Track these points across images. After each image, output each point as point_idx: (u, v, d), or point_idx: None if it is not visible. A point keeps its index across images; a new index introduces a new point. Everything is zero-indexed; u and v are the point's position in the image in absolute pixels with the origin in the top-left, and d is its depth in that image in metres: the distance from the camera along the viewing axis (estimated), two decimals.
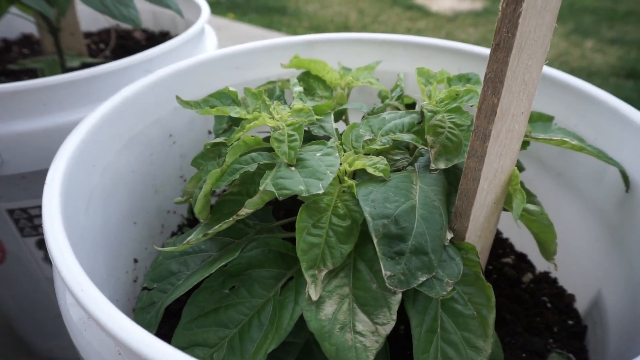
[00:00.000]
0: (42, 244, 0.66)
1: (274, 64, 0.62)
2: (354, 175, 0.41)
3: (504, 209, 0.42)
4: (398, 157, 0.42)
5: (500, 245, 0.61)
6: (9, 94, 0.52)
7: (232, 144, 0.43)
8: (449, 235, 0.36)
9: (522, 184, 0.45)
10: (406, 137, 0.40)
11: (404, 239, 0.33)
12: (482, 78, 0.37)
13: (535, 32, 0.32)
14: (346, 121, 0.55)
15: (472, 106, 0.42)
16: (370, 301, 0.33)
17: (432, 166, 0.39)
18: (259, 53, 0.61)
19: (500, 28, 0.30)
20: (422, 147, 0.40)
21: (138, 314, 0.40)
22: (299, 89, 0.47)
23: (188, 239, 0.38)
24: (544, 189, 0.56)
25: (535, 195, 0.46)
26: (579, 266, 0.52)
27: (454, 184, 0.40)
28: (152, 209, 0.55)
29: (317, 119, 0.45)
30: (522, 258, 0.60)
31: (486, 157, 0.34)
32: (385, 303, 0.33)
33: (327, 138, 0.45)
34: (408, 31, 2.67)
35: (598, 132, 0.49)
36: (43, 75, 0.70)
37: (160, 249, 0.39)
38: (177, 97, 0.47)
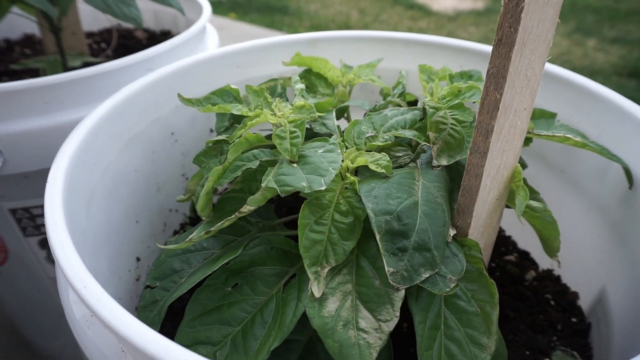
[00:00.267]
0: (44, 244, 0.66)
1: (276, 62, 0.62)
2: (356, 171, 0.41)
3: (507, 206, 0.42)
4: (400, 154, 0.42)
5: (503, 242, 0.61)
6: (10, 93, 0.52)
7: (233, 141, 0.43)
8: (452, 232, 0.36)
9: (525, 180, 0.45)
10: (408, 134, 0.40)
11: (406, 236, 0.33)
12: (484, 75, 0.37)
13: (538, 27, 0.32)
14: (348, 118, 0.55)
15: (474, 103, 0.42)
16: (373, 298, 0.33)
17: (435, 163, 0.38)
18: (260, 51, 0.61)
19: (503, 23, 0.30)
20: (425, 143, 0.40)
21: (141, 312, 0.40)
22: (300, 86, 0.47)
23: (190, 237, 0.38)
24: (546, 186, 0.55)
25: (538, 192, 0.45)
26: (583, 263, 0.51)
27: (456, 181, 0.40)
28: (154, 207, 0.55)
29: (319, 116, 0.45)
30: (525, 256, 0.60)
31: (489, 153, 0.34)
32: (388, 300, 0.33)
33: (329, 135, 0.45)
34: (409, 30, 2.67)
35: (601, 129, 0.48)
36: (45, 74, 0.70)
37: (162, 246, 0.39)
38: (179, 95, 0.47)
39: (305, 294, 0.35)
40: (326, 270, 0.34)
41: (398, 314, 0.33)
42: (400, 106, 0.50)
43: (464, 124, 0.40)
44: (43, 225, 0.63)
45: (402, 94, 0.49)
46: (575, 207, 0.52)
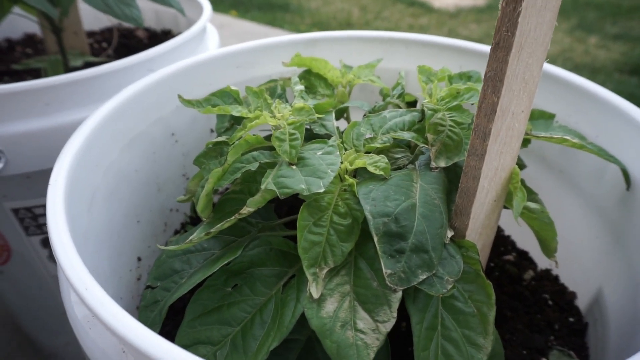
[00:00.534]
0: (46, 243, 0.67)
1: (276, 62, 0.62)
2: (355, 173, 0.41)
3: (505, 207, 0.42)
4: (399, 156, 0.42)
5: (502, 242, 0.61)
6: (12, 95, 0.52)
7: (233, 142, 0.43)
8: (450, 233, 0.36)
9: (523, 181, 0.45)
10: (407, 136, 0.40)
11: (404, 237, 0.34)
12: (483, 76, 0.37)
13: (536, 30, 0.32)
14: (348, 119, 0.55)
15: (472, 104, 0.42)
16: (371, 299, 0.34)
17: (433, 164, 0.39)
18: (260, 51, 0.61)
19: (500, 27, 0.30)
20: (423, 145, 0.40)
21: (142, 312, 0.41)
22: (300, 87, 0.47)
23: (190, 238, 0.38)
24: (545, 186, 0.56)
25: (537, 193, 0.46)
26: (581, 263, 0.52)
27: (454, 182, 0.40)
28: (155, 207, 0.55)
29: (318, 118, 0.45)
30: (523, 255, 0.60)
31: (486, 156, 0.34)
32: (386, 301, 0.33)
33: (329, 136, 0.45)
34: (410, 28, 2.67)
35: (599, 130, 0.49)
36: (46, 74, 0.71)
37: (163, 247, 0.39)
38: (179, 96, 0.47)
39: (304, 294, 0.35)
40: (324, 271, 0.34)
41: (395, 314, 0.33)
42: (399, 107, 0.50)
43: (462, 125, 0.41)
44: (45, 224, 0.64)
45: (401, 95, 0.49)
46: (574, 208, 0.52)
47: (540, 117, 0.49)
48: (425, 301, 0.35)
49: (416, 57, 0.63)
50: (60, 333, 0.79)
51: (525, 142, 0.45)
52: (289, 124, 0.40)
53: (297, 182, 0.35)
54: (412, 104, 0.54)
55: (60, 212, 0.34)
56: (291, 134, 0.39)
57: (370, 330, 0.33)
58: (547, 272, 0.56)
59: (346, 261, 0.36)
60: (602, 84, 2.07)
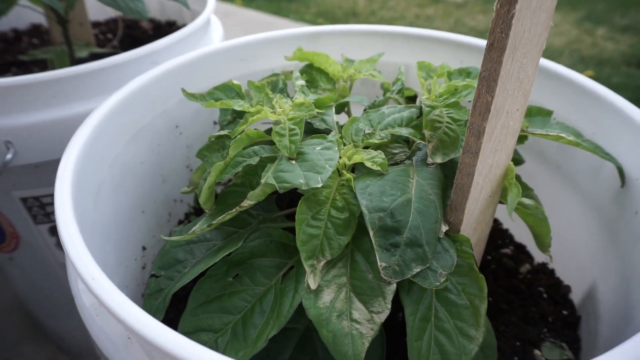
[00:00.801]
0: (54, 231, 0.68)
1: (279, 55, 0.63)
2: (354, 168, 0.42)
3: (501, 202, 0.43)
4: (397, 151, 0.43)
5: (500, 235, 0.62)
6: (20, 87, 0.53)
7: (235, 136, 0.44)
8: (444, 228, 0.37)
9: (518, 177, 0.46)
10: (404, 132, 0.41)
11: (399, 232, 0.35)
12: None
13: (530, 31, 0.32)
14: (348, 113, 0.56)
15: (469, 101, 0.43)
16: (366, 291, 0.35)
17: (429, 160, 0.40)
18: (263, 45, 0.62)
19: (495, 28, 0.31)
20: (420, 141, 0.41)
21: (146, 300, 0.42)
22: (301, 82, 0.48)
23: (193, 229, 0.40)
24: (543, 181, 0.56)
25: (532, 189, 0.46)
26: (576, 258, 0.53)
27: (450, 178, 0.41)
28: (160, 198, 0.57)
29: (319, 112, 0.46)
30: (521, 249, 0.61)
31: (480, 153, 0.35)
32: (381, 293, 0.34)
33: (328, 131, 0.46)
34: (416, 18, 2.65)
35: (597, 127, 0.49)
36: (52, 66, 0.72)
37: (167, 238, 0.41)
38: (183, 90, 0.48)
39: (302, 285, 0.36)
40: (322, 263, 0.36)
41: (389, 306, 0.34)
42: (399, 103, 0.51)
43: (459, 122, 0.41)
44: (52, 213, 0.65)
45: (400, 91, 0.50)
46: (571, 203, 0.53)
47: (538, 114, 0.49)
48: (419, 293, 0.36)
49: (417, 51, 0.63)
50: (68, 317, 0.81)
51: (522, 139, 0.46)
52: (289, 119, 0.40)
53: (296, 176, 0.36)
54: (412, 98, 0.55)
55: (68, 205, 0.35)
56: (291, 129, 0.39)
57: (365, 320, 0.34)
58: (544, 265, 0.57)
59: (343, 254, 0.37)
60: (609, 76, 2.05)
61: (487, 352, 0.38)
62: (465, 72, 0.49)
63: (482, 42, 0.59)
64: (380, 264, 0.34)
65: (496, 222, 0.64)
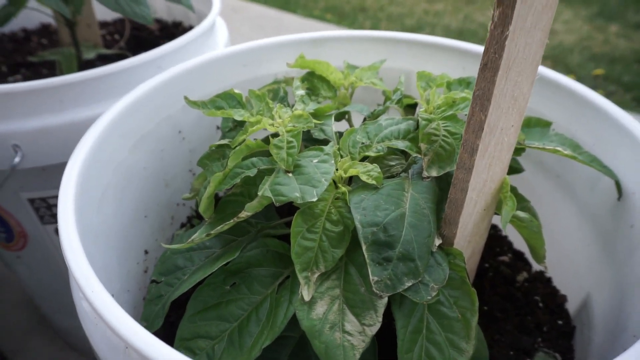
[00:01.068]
0: None
1: (282, 61, 0.63)
2: (351, 179, 0.43)
3: (497, 213, 0.43)
4: (393, 163, 0.43)
5: (499, 243, 0.63)
6: (28, 92, 0.55)
7: (235, 146, 0.45)
8: (438, 242, 0.38)
9: (514, 189, 0.46)
10: (401, 145, 0.42)
11: (392, 246, 0.35)
12: None
13: (525, 50, 0.33)
14: (349, 121, 0.56)
15: (466, 115, 0.43)
16: (359, 303, 0.36)
17: (425, 174, 0.40)
18: (266, 51, 0.62)
19: (488, 49, 0.31)
20: (416, 155, 0.41)
21: (147, 306, 0.43)
22: (301, 92, 0.49)
23: (192, 238, 0.41)
24: (542, 189, 0.57)
25: (528, 201, 0.47)
26: (572, 268, 0.53)
27: (446, 191, 0.41)
28: (163, 202, 0.58)
29: (317, 123, 0.47)
30: (519, 256, 0.61)
31: (474, 170, 0.36)
32: (372, 306, 0.35)
33: (327, 141, 0.47)
34: (425, 13, 2.63)
35: (596, 139, 0.49)
36: (60, 67, 0.73)
37: (167, 246, 0.42)
38: (185, 98, 0.49)
39: (296, 296, 0.37)
40: (316, 275, 0.36)
41: (381, 319, 0.35)
42: (402, 113, 0.51)
43: (456, 135, 0.42)
44: None
45: (399, 101, 0.50)
46: (569, 213, 0.53)
47: (537, 125, 0.50)
48: (410, 306, 0.37)
49: (420, 57, 0.63)
50: (74, 314, 0.83)
51: (519, 151, 0.46)
52: (287, 132, 0.41)
53: (292, 190, 0.37)
54: (412, 106, 0.55)
55: (70, 216, 0.36)
56: (289, 142, 0.40)
57: (357, 332, 0.35)
58: (541, 274, 0.58)
59: (337, 266, 0.37)
60: (620, 75, 2.02)
61: None
62: (465, 82, 0.50)
63: None
64: (372, 278, 0.34)
65: (495, 229, 0.64)
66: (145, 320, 0.43)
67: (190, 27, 0.93)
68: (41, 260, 0.74)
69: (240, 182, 0.44)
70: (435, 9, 2.67)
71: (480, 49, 0.60)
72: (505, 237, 0.64)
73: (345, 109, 0.51)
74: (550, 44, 2.23)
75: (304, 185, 0.37)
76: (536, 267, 0.59)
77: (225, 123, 0.54)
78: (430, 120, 0.42)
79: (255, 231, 0.45)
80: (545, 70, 0.54)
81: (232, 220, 0.39)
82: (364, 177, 0.39)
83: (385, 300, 0.35)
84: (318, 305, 0.36)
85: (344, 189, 0.39)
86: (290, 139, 0.40)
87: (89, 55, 0.78)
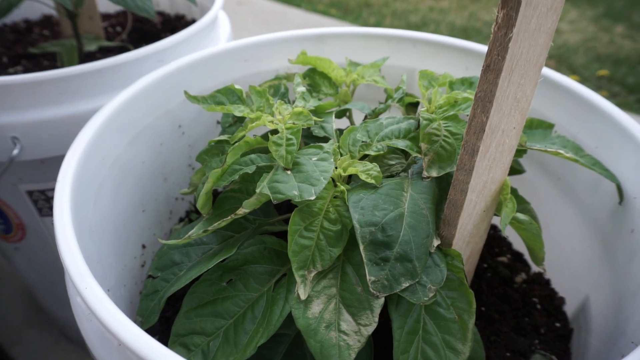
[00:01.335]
0: None
1: (283, 57, 0.63)
2: (350, 177, 0.43)
3: (497, 215, 0.43)
4: (393, 162, 0.43)
5: (498, 243, 0.62)
6: (27, 85, 0.54)
7: (235, 142, 0.45)
8: (436, 242, 0.38)
9: (515, 191, 0.46)
10: (401, 144, 0.41)
11: (389, 246, 0.35)
12: None
13: (528, 53, 0.32)
14: (350, 118, 0.56)
15: (468, 115, 0.42)
16: (355, 303, 0.35)
17: (425, 174, 0.40)
18: (268, 46, 0.62)
19: (492, 50, 0.31)
20: (416, 155, 0.41)
21: (143, 301, 0.43)
22: (301, 89, 0.48)
23: (189, 234, 0.40)
24: (543, 190, 0.56)
25: (529, 203, 0.46)
26: (571, 270, 0.53)
27: (446, 191, 0.41)
28: (161, 196, 0.57)
29: (318, 120, 0.46)
30: (518, 257, 0.61)
31: (474, 171, 0.35)
32: (369, 306, 0.35)
33: (327, 139, 0.47)
34: (430, 10, 2.61)
35: (599, 142, 0.49)
36: (61, 59, 0.73)
37: (163, 241, 0.42)
38: (185, 92, 0.49)
39: (292, 294, 0.37)
40: (313, 274, 0.36)
41: (377, 319, 0.35)
42: (401, 109, 0.51)
43: (457, 136, 0.41)
44: None
45: (401, 99, 0.50)
46: (570, 215, 0.53)
47: (539, 126, 0.49)
48: (407, 307, 0.36)
49: (423, 55, 0.63)
50: (71, 305, 0.83)
51: (520, 153, 0.46)
52: (287, 129, 0.41)
53: (290, 188, 0.36)
54: (414, 105, 0.55)
55: (66, 210, 0.36)
56: (288, 139, 0.40)
57: (352, 332, 0.35)
58: (539, 275, 0.57)
59: (334, 265, 0.37)
60: (625, 76, 2.01)
61: None
62: (467, 82, 0.49)
63: None
64: (369, 278, 0.34)
65: (495, 229, 0.64)
66: (140, 315, 0.43)
67: (193, 21, 0.92)
68: (39, 252, 0.74)
69: (239, 178, 0.43)
70: (441, 6, 2.66)
71: (483, 48, 0.59)
72: (505, 237, 0.63)
73: (346, 106, 0.51)
74: (555, 44, 2.22)
75: (303, 183, 0.37)
76: (535, 268, 0.59)
77: (225, 118, 0.54)
78: (431, 120, 0.41)
79: (253, 228, 0.45)
80: (548, 72, 0.54)
81: (229, 217, 0.39)
82: (363, 176, 0.38)
83: (382, 300, 0.35)
84: (314, 304, 0.36)
85: (342, 187, 0.38)
86: (290, 136, 0.40)
87: (91, 47, 0.77)
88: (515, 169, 0.51)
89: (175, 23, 0.92)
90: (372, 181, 0.38)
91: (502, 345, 0.48)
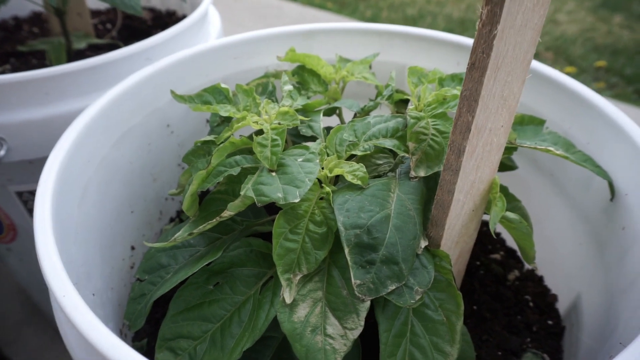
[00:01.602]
0: None
1: (273, 53, 0.62)
2: (337, 178, 0.42)
3: (487, 213, 0.42)
4: (381, 162, 0.42)
5: (491, 240, 0.62)
6: (13, 84, 0.54)
7: (221, 142, 0.44)
8: (424, 243, 0.37)
9: (505, 189, 0.46)
10: (388, 144, 0.41)
11: (375, 249, 0.35)
12: None
13: (515, 50, 0.31)
14: (340, 116, 0.55)
15: None
16: (341, 306, 0.35)
17: (412, 174, 0.39)
18: (257, 43, 0.61)
19: (476, 48, 0.30)
20: (404, 154, 0.40)
21: (130, 304, 0.43)
22: (289, 87, 0.48)
23: (175, 237, 0.40)
24: (536, 187, 0.56)
25: (520, 200, 0.46)
26: (564, 267, 0.52)
27: (434, 190, 0.40)
28: (151, 196, 0.57)
29: (304, 120, 0.46)
30: (511, 254, 0.61)
31: (461, 171, 0.35)
32: (354, 309, 0.34)
33: (314, 138, 0.46)
34: (427, 3, 2.59)
35: (591, 137, 0.48)
36: (50, 57, 0.72)
37: (150, 244, 0.41)
38: (172, 92, 0.48)
39: (278, 298, 0.37)
40: (298, 277, 0.36)
41: (363, 323, 0.34)
42: (393, 110, 0.50)
43: (445, 134, 0.41)
44: None
45: (390, 97, 0.49)
46: (562, 212, 0.53)
47: (530, 123, 0.48)
48: (394, 309, 0.36)
49: (414, 50, 0.62)
50: None
51: (511, 150, 0.45)
52: (272, 129, 0.40)
53: (275, 190, 0.36)
54: (405, 101, 0.54)
55: (47, 216, 0.35)
56: (273, 140, 0.39)
57: (339, 336, 0.34)
58: (532, 272, 0.57)
59: (320, 268, 0.37)
60: (622, 67, 1.99)
61: None
62: (457, 79, 0.48)
63: None
64: (355, 281, 0.34)
65: (487, 226, 0.63)
66: (127, 319, 0.42)
67: (184, 17, 0.91)
68: (31, 252, 0.73)
69: (225, 179, 0.43)
70: None
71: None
72: (498, 234, 0.63)
73: (335, 104, 0.50)
74: (553, 35, 2.20)
75: (287, 185, 0.36)
76: (528, 265, 0.58)
77: (214, 117, 0.53)
78: (419, 119, 0.41)
79: (240, 229, 0.44)
80: (540, 66, 0.53)
81: (214, 220, 0.38)
82: (349, 177, 0.38)
83: (368, 303, 0.35)
84: (300, 307, 0.35)
85: (328, 189, 0.38)
86: (275, 137, 0.39)
87: (80, 44, 0.76)
88: (507, 165, 0.50)
89: (166, 19, 0.91)
90: (358, 182, 0.37)
91: (494, 344, 0.47)
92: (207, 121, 0.62)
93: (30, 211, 0.66)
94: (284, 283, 0.35)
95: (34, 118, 0.56)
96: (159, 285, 0.42)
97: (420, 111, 0.43)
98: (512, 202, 0.45)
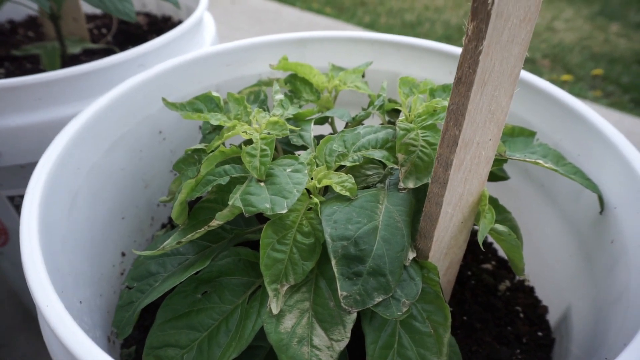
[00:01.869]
0: None
1: (265, 61, 0.62)
2: (326, 189, 0.42)
3: (477, 224, 0.42)
4: (370, 172, 0.43)
5: (482, 250, 0.62)
6: (5, 90, 0.54)
7: (211, 151, 0.44)
8: (412, 255, 0.37)
9: (495, 201, 0.46)
10: (377, 155, 0.41)
11: (362, 261, 0.35)
12: None
13: (502, 65, 0.32)
14: (332, 125, 0.55)
15: None
16: (328, 318, 0.35)
17: (401, 185, 0.39)
18: (249, 51, 0.61)
19: (463, 63, 0.30)
20: (393, 165, 0.41)
21: (118, 312, 0.43)
22: (280, 96, 0.48)
23: (163, 244, 0.40)
24: (527, 197, 0.56)
25: (510, 212, 0.46)
26: (555, 279, 0.52)
27: (423, 202, 0.40)
28: (142, 203, 0.57)
29: (294, 129, 0.46)
30: (503, 264, 0.60)
31: (448, 184, 0.35)
32: (341, 321, 0.34)
33: (305, 148, 0.46)
34: (425, 9, 2.60)
35: (581, 149, 0.48)
36: (43, 62, 0.72)
37: (138, 252, 0.41)
38: (163, 99, 0.48)
39: (265, 308, 0.36)
40: (285, 288, 0.36)
41: (349, 335, 0.34)
42: (384, 120, 0.50)
43: (435, 146, 0.41)
44: None
45: (381, 107, 0.49)
46: (552, 223, 0.53)
47: (520, 134, 0.49)
48: (381, 321, 0.36)
49: (407, 59, 0.62)
50: None
51: (500, 162, 0.45)
52: (261, 139, 0.40)
53: (263, 200, 0.36)
54: (398, 111, 0.54)
55: (34, 225, 0.35)
56: (262, 150, 0.39)
57: (325, 347, 0.34)
58: (523, 283, 0.57)
59: (307, 279, 0.37)
60: (619, 75, 2.00)
61: None
62: (448, 89, 0.49)
63: None
64: (341, 293, 0.34)
65: None
66: (115, 327, 0.42)
67: (180, 22, 0.91)
68: None
69: (214, 188, 0.43)
70: (436, 5, 2.64)
71: None
72: (491, 244, 0.63)
73: (326, 114, 0.50)
74: (550, 43, 2.21)
75: (275, 195, 0.36)
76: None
77: (206, 125, 0.53)
78: (408, 130, 0.41)
79: (230, 237, 0.44)
80: (531, 78, 0.53)
81: (202, 229, 0.38)
82: (337, 188, 0.38)
83: (354, 315, 0.34)
84: (286, 318, 0.35)
85: (316, 200, 0.38)
86: (264, 146, 0.39)
87: (74, 49, 0.76)
88: (499, 176, 0.50)
89: (161, 24, 0.91)
90: (347, 193, 0.38)
91: (484, 355, 0.47)
92: (200, 127, 0.62)
93: None
94: (271, 293, 0.35)
95: (27, 123, 0.56)
96: (147, 293, 0.42)
97: (411, 122, 0.43)
98: (502, 214, 0.45)
